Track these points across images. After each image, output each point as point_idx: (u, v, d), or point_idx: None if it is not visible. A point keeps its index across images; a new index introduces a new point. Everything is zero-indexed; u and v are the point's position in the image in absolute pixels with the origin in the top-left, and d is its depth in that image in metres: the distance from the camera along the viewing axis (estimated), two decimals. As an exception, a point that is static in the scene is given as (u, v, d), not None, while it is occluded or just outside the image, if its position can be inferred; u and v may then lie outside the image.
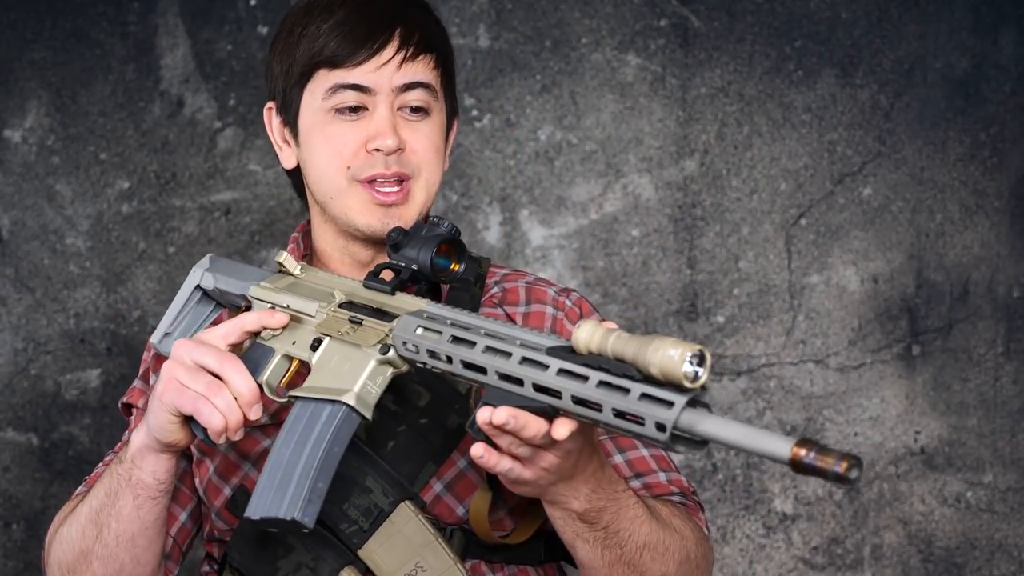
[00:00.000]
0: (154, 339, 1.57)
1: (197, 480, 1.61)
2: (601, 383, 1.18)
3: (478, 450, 1.27)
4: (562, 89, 2.57)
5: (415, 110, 1.58)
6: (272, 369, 1.42)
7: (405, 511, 1.49)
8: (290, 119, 1.62)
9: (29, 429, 2.61)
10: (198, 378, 1.36)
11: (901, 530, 2.54)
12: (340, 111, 1.57)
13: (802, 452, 1.07)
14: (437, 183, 1.61)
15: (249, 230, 2.60)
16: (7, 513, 2.61)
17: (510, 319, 1.61)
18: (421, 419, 1.53)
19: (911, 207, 2.53)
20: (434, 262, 1.39)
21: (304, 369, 1.43)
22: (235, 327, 1.42)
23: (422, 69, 1.57)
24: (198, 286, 1.55)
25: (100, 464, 1.65)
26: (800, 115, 2.55)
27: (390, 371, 1.36)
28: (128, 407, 1.68)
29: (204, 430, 1.37)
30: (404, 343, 1.33)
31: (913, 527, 2.54)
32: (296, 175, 1.68)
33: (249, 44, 2.60)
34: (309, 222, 1.70)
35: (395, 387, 1.49)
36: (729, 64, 2.55)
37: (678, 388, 1.14)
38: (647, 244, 2.57)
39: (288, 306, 1.45)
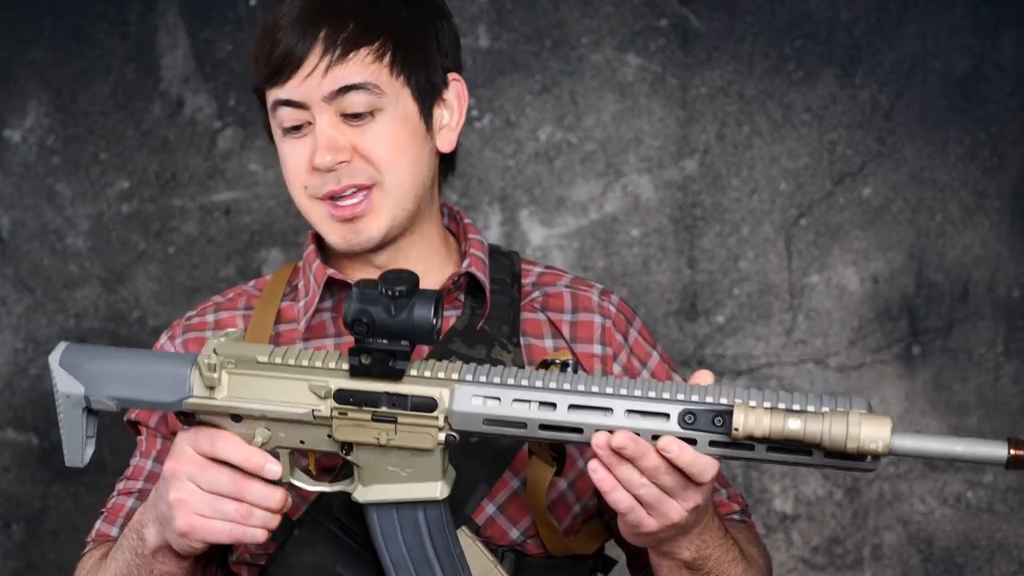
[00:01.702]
0: (72, 463, 1.36)
1: None
2: (771, 449, 1.18)
3: (593, 462, 1.22)
4: (562, 89, 2.57)
5: (355, 116, 1.45)
6: (287, 469, 1.31)
7: (462, 537, 1.41)
8: (268, 136, 1.57)
9: (29, 429, 2.61)
10: (222, 507, 1.28)
11: (901, 530, 2.54)
12: (286, 131, 1.49)
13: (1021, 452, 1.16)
14: (408, 183, 1.48)
15: (249, 230, 2.60)
16: (7, 513, 2.61)
17: (555, 327, 1.54)
18: (471, 437, 1.47)
19: (911, 207, 2.54)
20: (436, 326, 1.22)
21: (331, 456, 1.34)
22: (212, 452, 1.28)
23: (356, 69, 1.44)
24: (87, 408, 1.32)
25: (114, 493, 1.57)
26: (800, 115, 2.55)
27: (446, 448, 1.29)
28: (135, 424, 1.60)
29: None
30: (472, 435, 1.25)
31: (913, 527, 2.54)
32: None
33: (249, 44, 2.59)
34: None
35: None
36: (729, 64, 2.55)
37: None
38: (647, 244, 2.57)
39: (264, 415, 1.27)
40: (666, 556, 1.33)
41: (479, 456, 1.46)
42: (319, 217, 1.50)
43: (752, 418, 1.16)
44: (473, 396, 1.24)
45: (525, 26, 2.56)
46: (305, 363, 1.27)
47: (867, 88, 2.53)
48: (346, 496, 1.35)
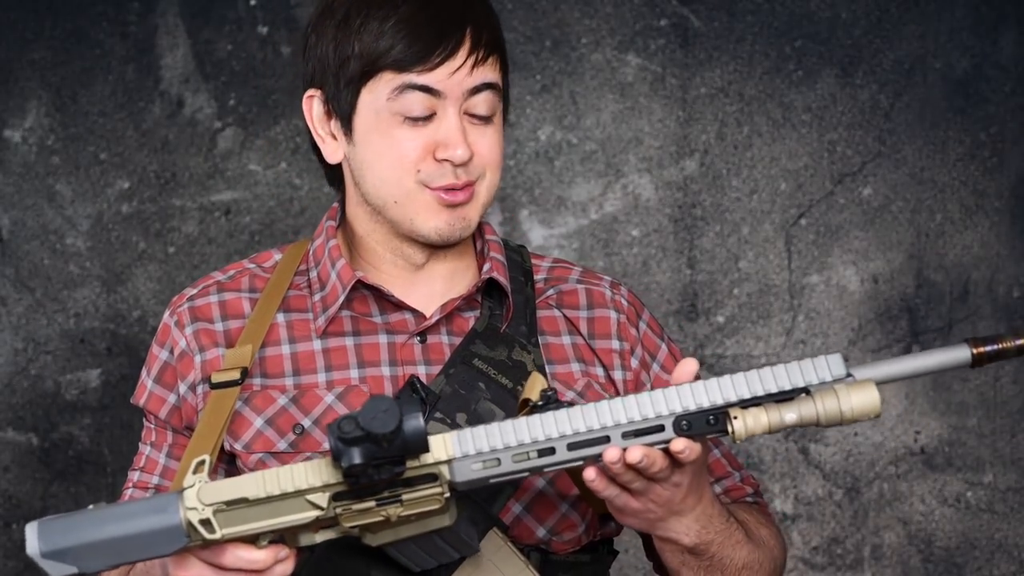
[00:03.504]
0: None
1: None
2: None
3: (590, 473, 1.25)
4: (562, 89, 2.57)
5: (483, 118, 1.49)
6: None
7: (494, 539, 1.42)
8: (343, 114, 1.51)
9: (29, 429, 2.61)
10: None
11: (901, 530, 2.54)
12: (405, 112, 1.47)
13: (983, 348, 1.24)
14: (497, 184, 1.55)
15: (249, 230, 2.60)
16: (7, 513, 2.61)
17: (571, 323, 1.55)
18: None
19: (911, 207, 2.54)
20: (425, 431, 1.20)
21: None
22: (222, 565, 1.28)
23: (491, 71, 1.49)
24: None
25: (128, 485, 1.55)
26: (800, 115, 2.55)
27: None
28: (141, 409, 1.58)
29: None
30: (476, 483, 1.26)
31: (913, 527, 2.54)
32: (337, 169, 1.56)
33: (249, 44, 2.60)
34: (341, 208, 1.59)
35: (468, 408, 1.45)
36: (729, 64, 2.55)
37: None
38: (647, 244, 2.57)
39: (268, 532, 1.25)
40: (667, 542, 1.35)
41: None
42: (424, 204, 1.49)
43: (751, 420, 1.21)
44: (472, 464, 1.25)
45: (525, 26, 2.56)
46: (301, 486, 1.24)
47: (867, 88, 2.53)
48: None
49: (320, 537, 1.31)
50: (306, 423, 1.47)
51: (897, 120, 2.53)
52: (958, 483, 2.54)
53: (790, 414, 1.21)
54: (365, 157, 1.51)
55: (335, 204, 1.61)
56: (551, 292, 1.58)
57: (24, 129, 2.62)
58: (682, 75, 2.56)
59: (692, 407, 1.23)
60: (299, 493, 1.24)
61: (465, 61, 1.46)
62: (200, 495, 1.23)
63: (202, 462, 1.26)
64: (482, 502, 1.43)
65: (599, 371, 1.54)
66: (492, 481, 1.26)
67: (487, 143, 1.50)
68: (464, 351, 1.49)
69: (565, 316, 1.56)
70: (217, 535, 1.24)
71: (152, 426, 1.57)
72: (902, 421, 2.54)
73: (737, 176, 2.56)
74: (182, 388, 1.52)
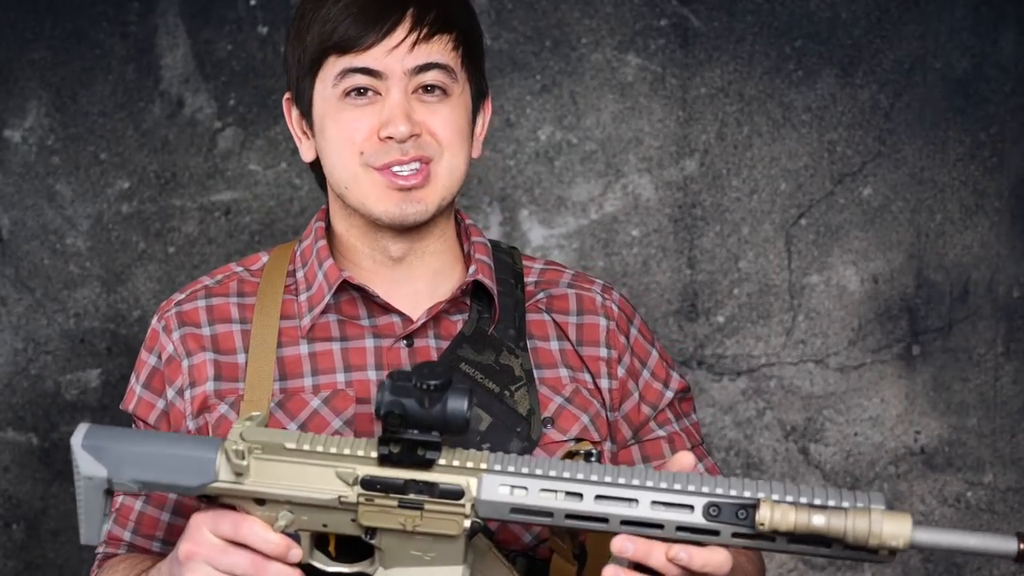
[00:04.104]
0: (88, 540, 1.37)
1: None
2: (793, 540, 1.20)
3: (609, 569, 1.22)
4: (562, 89, 2.57)
5: (431, 89, 1.48)
6: (308, 548, 1.30)
7: (479, 544, 1.40)
8: (305, 109, 1.53)
9: (29, 429, 2.61)
10: None
11: (901, 530, 2.54)
12: (349, 94, 1.47)
13: None
14: (461, 168, 1.51)
15: (249, 230, 2.60)
16: (7, 513, 2.61)
17: (560, 328, 1.54)
18: (483, 444, 1.45)
19: (911, 207, 2.54)
20: (468, 419, 1.23)
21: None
22: (233, 536, 1.28)
23: (438, 50, 1.48)
24: (108, 490, 1.33)
25: (117, 493, 1.53)
26: (800, 115, 2.55)
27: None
28: (131, 414, 1.58)
29: None
30: (496, 518, 1.25)
31: (913, 527, 2.54)
32: (316, 167, 1.57)
33: (249, 44, 2.60)
34: (327, 210, 1.60)
35: None
36: (729, 64, 2.55)
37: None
38: (647, 244, 2.57)
39: (289, 500, 1.27)
40: None
41: None
42: (371, 185, 1.48)
43: (778, 514, 1.18)
44: (500, 485, 1.24)
45: (525, 26, 2.56)
46: (333, 450, 1.26)
47: (867, 88, 2.53)
48: None
49: (317, 563, 1.30)
50: (292, 427, 1.47)
51: (897, 120, 2.53)
52: (958, 483, 2.54)
53: (818, 518, 1.18)
54: (322, 146, 1.52)
55: (324, 206, 1.61)
56: (541, 296, 1.57)
57: (24, 129, 2.62)
58: (682, 75, 2.56)
59: (726, 495, 1.21)
60: (332, 459, 1.26)
61: (404, 39, 1.46)
62: (243, 433, 1.27)
63: (251, 417, 1.29)
64: None
65: (587, 377, 1.53)
66: (514, 519, 1.24)
67: (440, 120, 1.48)
68: (451, 355, 1.48)
69: (554, 321, 1.55)
70: (243, 485, 1.26)
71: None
72: (902, 421, 2.54)
73: (737, 176, 2.56)
74: (170, 393, 1.51)
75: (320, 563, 1.31)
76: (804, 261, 2.55)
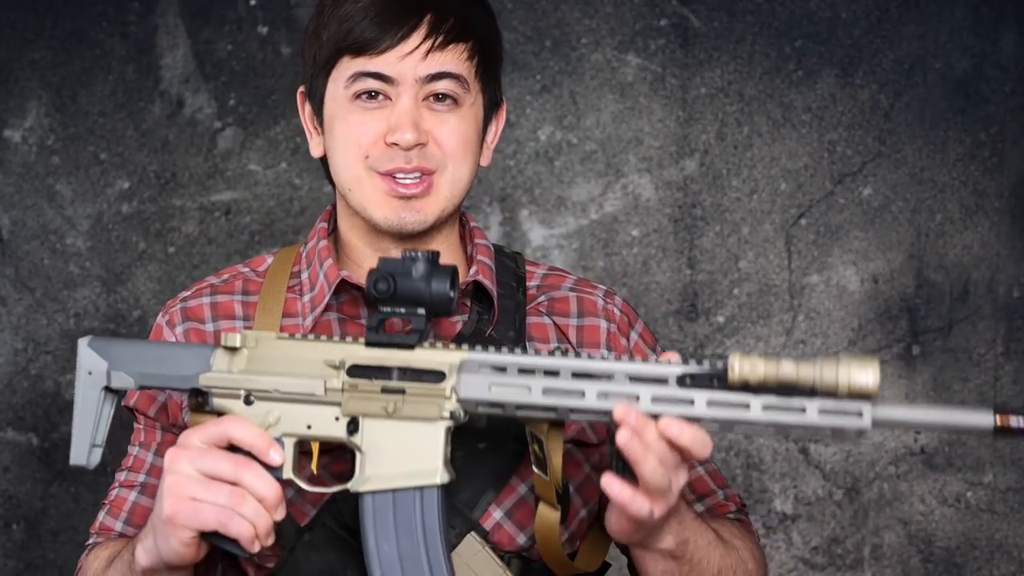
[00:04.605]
0: (77, 460, 1.38)
1: None
2: (767, 407, 1.21)
3: (624, 432, 1.23)
4: (562, 89, 2.57)
5: (441, 98, 1.48)
6: (289, 463, 1.32)
7: (472, 543, 1.42)
8: (317, 106, 1.53)
9: (29, 429, 2.61)
10: (215, 490, 1.27)
11: (901, 530, 2.54)
12: (360, 97, 1.47)
13: (1010, 419, 1.18)
14: (465, 179, 1.52)
15: (249, 230, 2.60)
16: (7, 513, 2.61)
17: (560, 331, 1.54)
18: (478, 443, 1.45)
19: (911, 207, 2.54)
20: (453, 298, 1.30)
21: (334, 448, 1.36)
22: (219, 435, 1.30)
23: (452, 59, 1.47)
24: (107, 388, 1.38)
25: (115, 484, 1.55)
26: (800, 115, 2.55)
27: (451, 427, 1.31)
28: (132, 411, 1.58)
29: (233, 542, 1.28)
30: (478, 406, 1.28)
31: (913, 527, 2.54)
32: (326, 163, 1.57)
33: (249, 44, 2.60)
34: (333, 208, 1.61)
35: None
36: (729, 64, 2.55)
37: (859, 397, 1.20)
38: (647, 244, 2.57)
39: (276, 390, 1.32)
40: (650, 549, 1.34)
41: (487, 462, 1.46)
42: (373, 190, 1.49)
43: (747, 364, 1.21)
44: (480, 367, 1.28)
45: (525, 26, 2.56)
46: (323, 338, 1.34)
47: (867, 88, 2.53)
48: (355, 501, 1.34)
49: (300, 481, 1.32)
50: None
51: (897, 120, 2.53)
52: (958, 483, 2.54)
53: (787, 367, 1.20)
54: (330, 145, 1.52)
55: (328, 207, 1.61)
56: (542, 299, 1.58)
57: (24, 129, 2.62)
58: (682, 75, 2.56)
59: (698, 367, 1.27)
60: (321, 344, 1.32)
61: (418, 47, 1.46)
62: (240, 335, 1.34)
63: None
64: (462, 507, 1.43)
65: None
66: (494, 395, 1.28)
67: (447, 130, 1.49)
68: None
69: (555, 323, 1.55)
70: (233, 373, 1.32)
71: (141, 426, 1.57)
72: (902, 421, 2.54)
73: (737, 176, 2.56)
74: None
75: (302, 481, 1.33)
76: (804, 261, 2.55)
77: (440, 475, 1.30)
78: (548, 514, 1.41)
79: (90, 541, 1.55)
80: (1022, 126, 2.52)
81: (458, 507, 1.43)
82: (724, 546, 1.42)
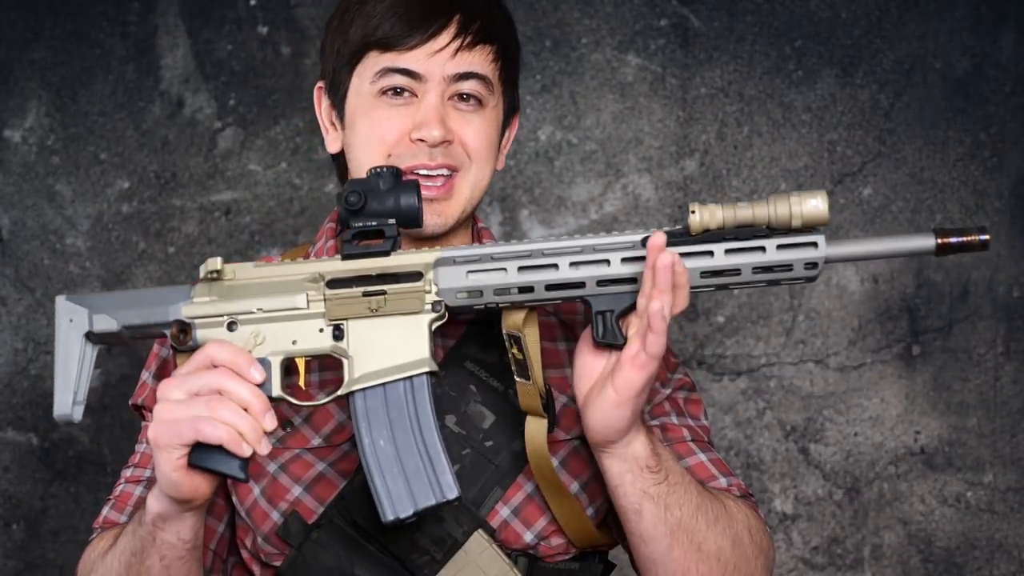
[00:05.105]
0: (62, 411, 1.37)
1: (235, 498, 1.51)
2: (729, 251, 1.28)
3: (664, 257, 1.26)
4: (562, 89, 2.57)
5: (466, 98, 1.49)
6: (276, 381, 1.33)
7: (479, 540, 1.42)
8: (337, 101, 1.54)
9: (29, 429, 2.61)
10: (194, 403, 1.27)
11: (901, 530, 2.54)
12: (386, 93, 1.48)
13: (949, 239, 1.27)
14: (486, 180, 1.53)
15: (249, 230, 2.60)
16: (7, 513, 2.61)
17: (568, 329, 1.55)
18: (486, 442, 1.46)
19: (911, 207, 2.54)
20: (418, 209, 1.33)
21: (325, 362, 1.37)
22: (202, 359, 1.30)
23: (479, 60, 1.48)
24: (90, 333, 1.37)
25: (121, 481, 1.56)
26: (800, 115, 2.55)
27: (435, 322, 1.34)
28: (140, 409, 1.59)
29: (222, 457, 1.27)
30: (458, 294, 1.32)
31: (913, 527, 2.54)
32: (340, 160, 1.58)
33: (249, 44, 2.60)
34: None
35: (458, 410, 1.46)
36: (729, 64, 2.55)
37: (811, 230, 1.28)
38: (647, 244, 2.57)
39: (258, 309, 1.34)
40: (626, 460, 1.35)
41: (493, 459, 1.46)
42: None
43: (707, 212, 1.28)
44: (455, 261, 1.33)
45: (525, 26, 2.56)
46: (300, 260, 1.37)
47: (867, 88, 2.53)
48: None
49: (289, 397, 1.34)
50: (296, 421, 1.49)
51: (897, 120, 2.53)
52: (958, 483, 2.54)
53: (743, 210, 1.27)
54: (350, 140, 1.53)
55: (336, 207, 1.61)
56: None
57: (24, 129, 2.62)
58: (682, 75, 2.56)
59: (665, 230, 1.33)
60: (298, 265, 1.35)
61: (448, 45, 1.47)
62: (219, 259, 1.37)
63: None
64: (469, 504, 1.43)
65: None
66: (470, 282, 1.31)
67: (472, 130, 1.49)
68: (457, 352, 1.49)
69: (562, 321, 1.56)
70: (216, 299, 1.34)
71: (147, 423, 1.57)
72: (902, 421, 2.54)
73: (737, 176, 2.56)
74: None
75: (291, 398, 1.35)
76: (804, 261, 2.55)
77: (428, 364, 1.32)
78: (536, 425, 1.42)
79: (94, 534, 1.55)
80: (1022, 126, 2.52)
81: (465, 504, 1.43)
82: (702, 488, 1.42)
